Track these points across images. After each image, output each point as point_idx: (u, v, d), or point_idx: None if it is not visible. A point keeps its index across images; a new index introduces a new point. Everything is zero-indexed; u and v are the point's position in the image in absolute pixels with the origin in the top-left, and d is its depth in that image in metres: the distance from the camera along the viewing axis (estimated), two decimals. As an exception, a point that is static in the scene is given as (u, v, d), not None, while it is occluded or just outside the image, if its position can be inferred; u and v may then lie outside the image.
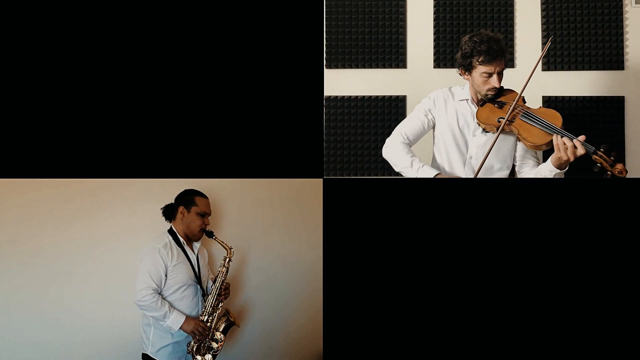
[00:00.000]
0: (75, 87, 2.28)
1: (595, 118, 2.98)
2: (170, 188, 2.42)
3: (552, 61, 3.02)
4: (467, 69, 2.41)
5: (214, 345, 2.32)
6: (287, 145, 2.30)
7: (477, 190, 2.24)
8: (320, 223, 2.24)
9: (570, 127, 2.30)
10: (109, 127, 2.29)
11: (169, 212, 2.37)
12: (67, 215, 2.50)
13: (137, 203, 2.52)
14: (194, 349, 2.29)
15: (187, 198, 2.37)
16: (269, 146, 2.31)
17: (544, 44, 3.02)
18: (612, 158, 2.17)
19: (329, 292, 2.23)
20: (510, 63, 3.03)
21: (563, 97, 2.96)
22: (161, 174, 2.31)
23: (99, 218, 2.52)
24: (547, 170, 2.30)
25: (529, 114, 2.31)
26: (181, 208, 2.35)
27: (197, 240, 2.40)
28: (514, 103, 2.31)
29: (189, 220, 2.34)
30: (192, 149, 2.31)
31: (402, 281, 2.21)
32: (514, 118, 2.32)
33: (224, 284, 2.35)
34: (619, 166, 2.17)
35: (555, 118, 2.27)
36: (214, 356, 2.33)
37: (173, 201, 2.39)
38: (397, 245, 2.22)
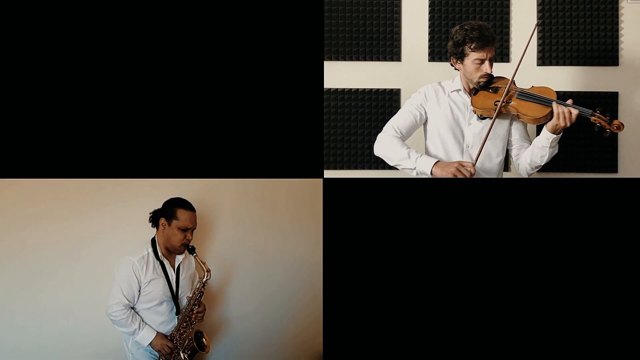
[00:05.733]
0: (69, 87, 2.24)
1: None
2: (164, 188, 2.39)
3: (546, 56, 3.02)
4: (459, 57, 2.47)
5: None
6: (287, 145, 2.28)
7: (477, 189, 2.24)
8: (320, 223, 2.24)
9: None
10: (105, 126, 2.25)
11: (155, 219, 2.28)
12: (54, 216, 2.45)
13: (128, 203, 2.48)
14: None
15: (169, 209, 2.26)
16: (268, 146, 2.28)
17: (539, 38, 3.02)
18: (607, 117, 2.34)
19: (329, 292, 2.23)
20: (506, 57, 3.03)
21: (557, 92, 2.95)
22: (156, 174, 2.27)
23: (89, 218, 2.48)
24: (544, 138, 2.38)
25: (524, 93, 2.43)
26: (162, 220, 2.25)
27: (178, 254, 2.31)
28: (509, 82, 2.42)
29: (169, 233, 2.24)
30: (190, 147, 2.28)
31: (403, 281, 2.22)
32: (511, 99, 2.42)
33: (199, 306, 2.29)
34: (616, 122, 2.34)
35: (549, 93, 2.43)
36: None
37: (161, 206, 2.30)
38: (397, 245, 2.22)
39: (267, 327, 2.66)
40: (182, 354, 2.27)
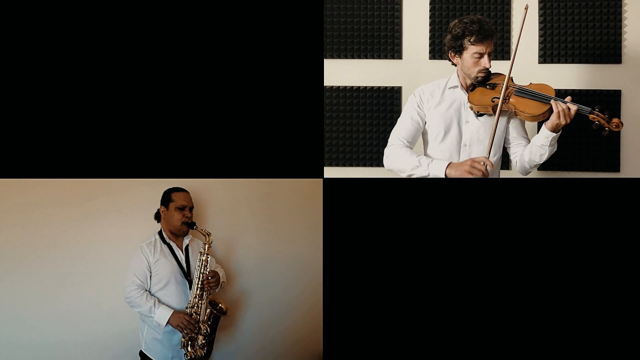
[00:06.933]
0: (72, 87, 2.24)
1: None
2: (163, 188, 2.43)
3: (548, 54, 3.00)
4: (457, 51, 2.44)
5: (200, 338, 2.33)
6: (287, 144, 2.27)
7: (477, 189, 2.24)
8: (320, 223, 2.24)
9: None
10: (105, 126, 2.25)
11: (157, 214, 2.45)
12: (63, 215, 2.48)
13: (128, 203, 2.53)
14: (185, 343, 2.32)
15: (165, 197, 2.43)
16: (268, 145, 2.28)
17: (540, 36, 3.00)
18: (606, 115, 2.31)
19: (329, 292, 2.23)
20: (507, 55, 3.01)
21: (559, 89, 2.94)
22: (155, 174, 2.28)
23: (97, 217, 2.51)
24: (543, 137, 2.35)
25: (522, 89, 2.40)
26: (162, 208, 2.43)
27: (183, 235, 2.44)
28: (506, 78, 2.37)
29: (169, 216, 2.41)
30: (190, 147, 2.27)
31: (402, 281, 2.21)
32: (509, 96, 2.39)
33: (209, 272, 2.37)
34: (615, 120, 2.31)
35: (547, 90, 2.39)
36: (203, 348, 2.34)
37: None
38: (397, 245, 2.22)
39: (267, 327, 2.67)
40: (202, 326, 2.34)
